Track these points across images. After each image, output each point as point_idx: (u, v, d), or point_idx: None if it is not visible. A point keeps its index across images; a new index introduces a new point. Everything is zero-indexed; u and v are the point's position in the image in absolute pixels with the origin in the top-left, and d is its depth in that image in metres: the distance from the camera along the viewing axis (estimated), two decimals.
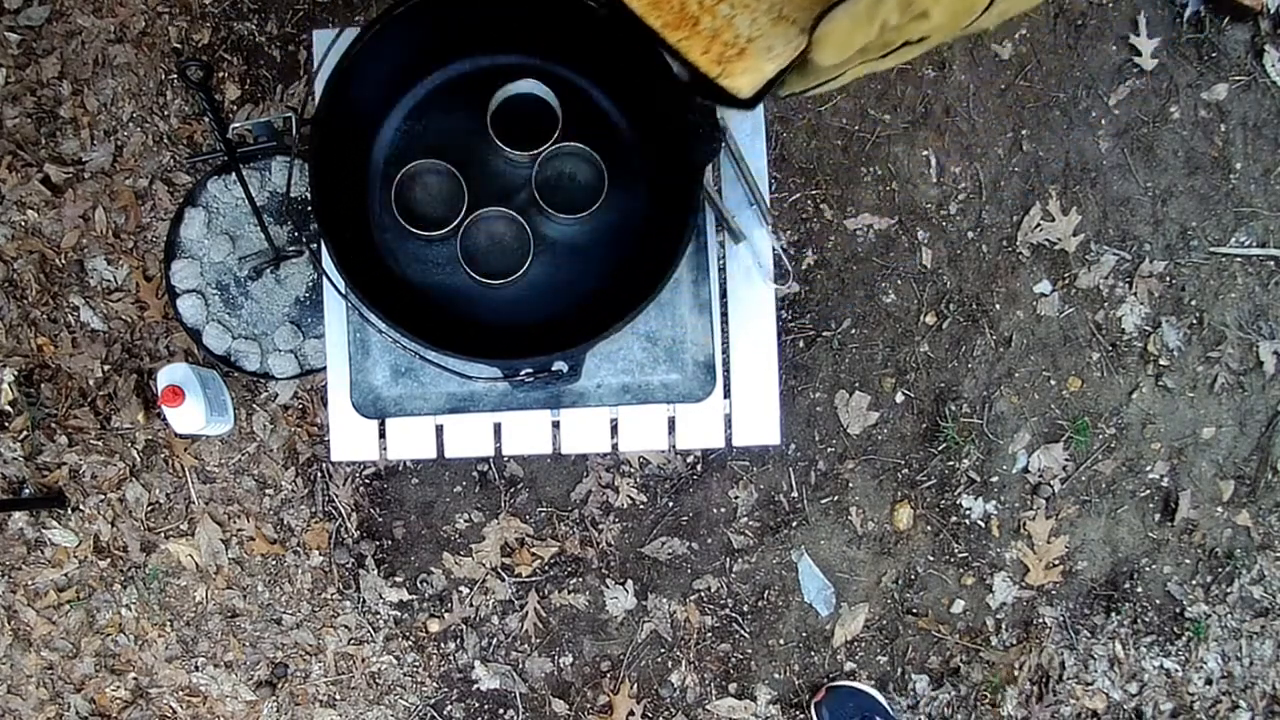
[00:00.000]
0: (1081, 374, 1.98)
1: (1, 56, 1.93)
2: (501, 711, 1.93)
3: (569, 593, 1.92)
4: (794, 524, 1.94)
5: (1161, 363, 1.98)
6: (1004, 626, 1.97)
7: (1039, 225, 1.98)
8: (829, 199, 1.97)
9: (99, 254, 1.91)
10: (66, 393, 1.90)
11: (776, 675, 1.93)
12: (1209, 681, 1.98)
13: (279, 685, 1.92)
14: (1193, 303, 1.99)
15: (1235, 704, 1.98)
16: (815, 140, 1.98)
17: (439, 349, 0.98)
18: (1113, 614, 1.97)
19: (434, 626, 1.93)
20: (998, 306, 1.98)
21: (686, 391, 1.20)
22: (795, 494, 1.95)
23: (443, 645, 1.93)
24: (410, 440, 1.25)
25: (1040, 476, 1.97)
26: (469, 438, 1.26)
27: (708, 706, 1.93)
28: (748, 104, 0.85)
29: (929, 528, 1.96)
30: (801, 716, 1.92)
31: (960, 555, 1.96)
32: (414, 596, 1.92)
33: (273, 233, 1.68)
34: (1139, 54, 1.99)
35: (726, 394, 1.26)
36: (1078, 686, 1.97)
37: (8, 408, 1.89)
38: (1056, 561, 1.96)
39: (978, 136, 1.99)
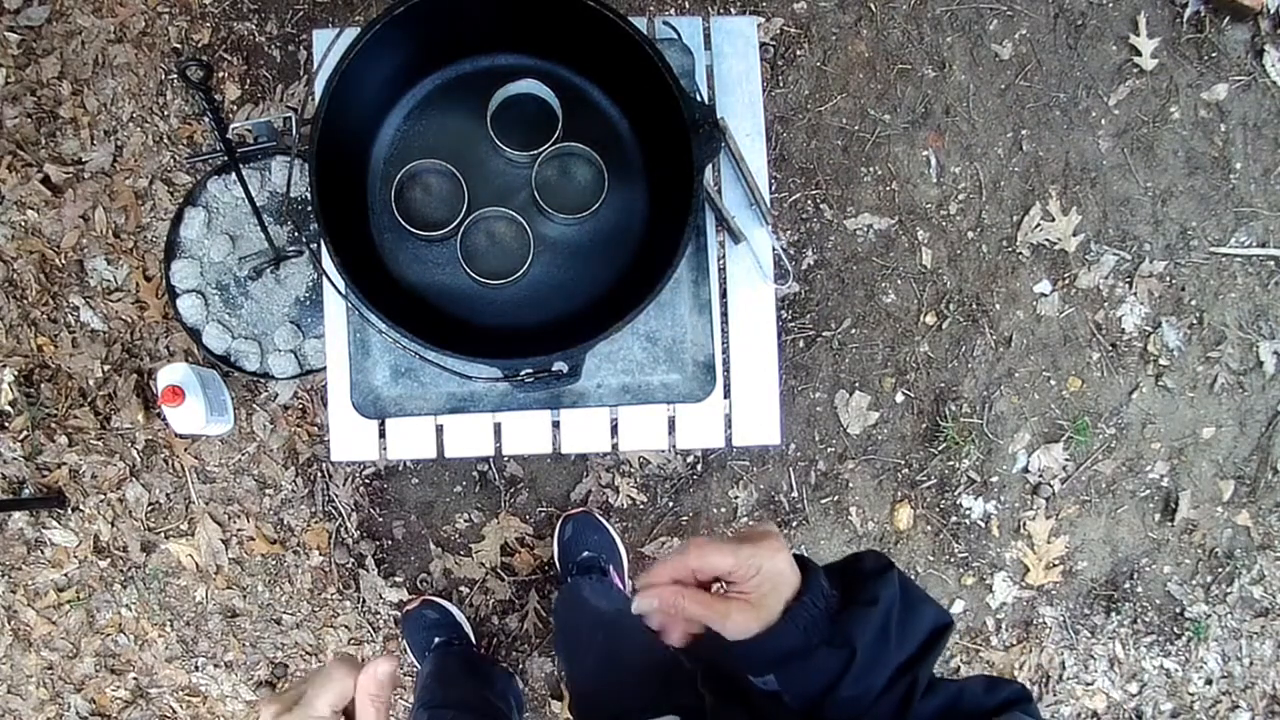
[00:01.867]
0: (1081, 374, 1.98)
1: (1, 56, 1.92)
2: None
3: None
4: (794, 524, 1.94)
5: (1161, 363, 1.98)
6: (1004, 626, 1.97)
7: (1039, 225, 1.98)
8: (829, 199, 1.97)
9: (99, 254, 1.91)
10: (66, 393, 1.90)
11: None
12: (1209, 681, 1.98)
13: (279, 685, 1.92)
14: (1193, 303, 1.99)
15: (1235, 704, 1.98)
16: (815, 140, 1.98)
17: (439, 349, 0.98)
18: (1113, 614, 1.97)
19: None
20: (998, 306, 1.98)
21: (686, 391, 1.20)
22: (795, 494, 1.95)
23: None
24: (410, 440, 1.25)
25: (1040, 476, 1.97)
26: (469, 438, 1.26)
27: None
28: None
29: (929, 528, 1.96)
30: None
31: (960, 555, 1.96)
32: (414, 596, 1.92)
33: (273, 233, 1.68)
34: (1139, 54, 1.99)
35: (726, 394, 1.26)
36: (1078, 686, 1.97)
37: (8, 408, 1.89)
38: (1056, 561, 1.96)
39: (978, 136, 1.99)
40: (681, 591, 0.66)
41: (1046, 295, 1.98)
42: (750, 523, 1.94)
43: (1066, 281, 1.98)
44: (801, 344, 1.95)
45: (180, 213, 1.80)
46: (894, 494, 1.96)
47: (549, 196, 1.11)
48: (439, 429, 1.25)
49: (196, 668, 1.92)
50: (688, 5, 2.00)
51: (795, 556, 0.70)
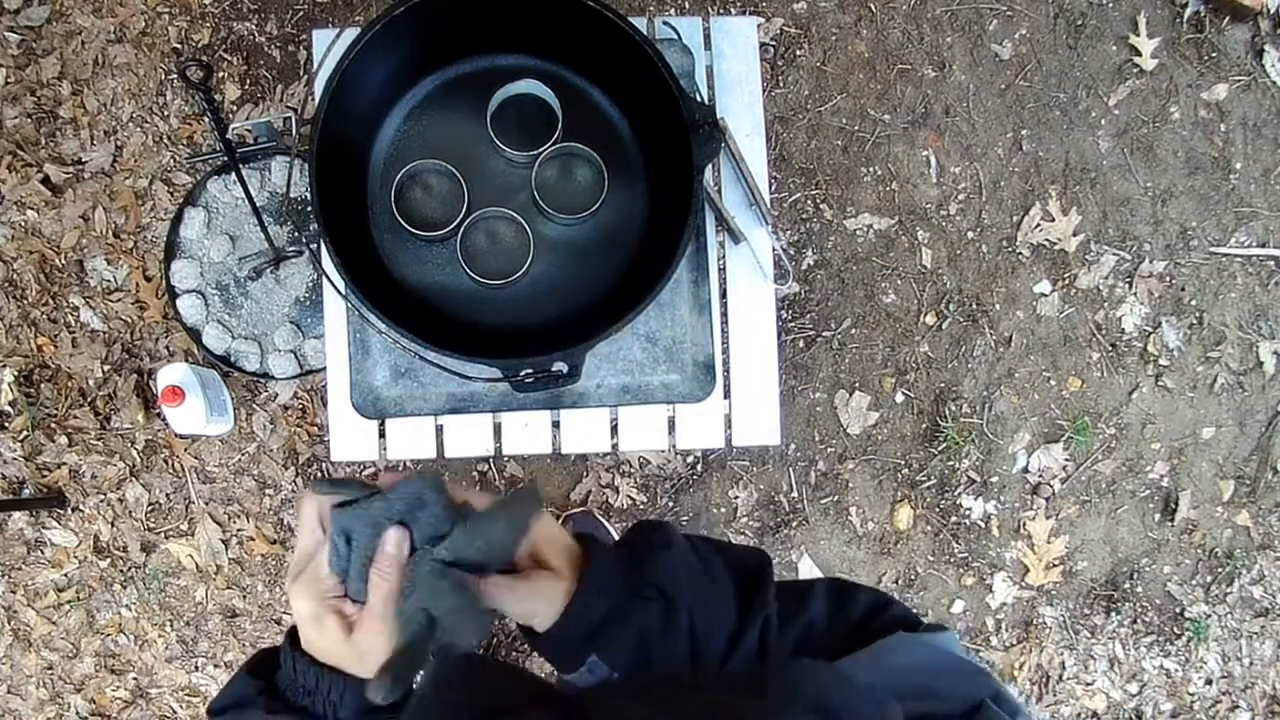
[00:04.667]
0: (1081, 374, 1.98)
1: (1, 56, 1.92)
2: None
3: None
4: (794, 524, 1.94)
5: (1161, 363, 1.98)
6: (1004, 626, 1.97)
7: (1039, 225, 1.98)
8: (829, 199, 1.97)
9: (99, 254, 1.91)
10: (66, 393, 1.90)
11: None
12: (1209, 681, 1.98)
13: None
14: (1193, 303, 1.99)
15: (1235, 704, 1.98)
16: (815, 140, 1.98)
17: (439, 349, 0.98)
18: (1113, 614, 1.97)
19: None
20: (998, 306, 1.98)
21: (686, 391, 1.20)
22: (795, 494, 1.95)
23: None
24: (410, 440, 1.25)
25: (1040, 476, 1.97)
26: (469, 438, 1.26)
27: None
28: None
29: (929, 528, 1.96)
30: None
31: (960, 555, 1.96)
32: None
33: (273, 233, 1.68)
34: (1139, 54, 1.99)
35: (726, 394, 1.26)
36: (1078, 686, 1.97)
37: (8, 408, 1.89)
38: (1056, 561, 1.96)
39: (978, 136, 1.99)
40: (479, 581, 0.60)
41: (1046, 295, 1.98)
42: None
43: (1066, 281, 1.98)
44: (801, 344, 1.95)
45: (180, 213, 1.80)
46: (894, 494, 1.96)
47: (549, 196, 1.11)
48: (439, 429, 1.25)
49: (196, 668, 1.92)
50: (688, 5, 2.00)
51: (574, 535, 0.65)
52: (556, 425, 1.26)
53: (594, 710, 0.48)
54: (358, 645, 0.58)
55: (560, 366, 1.01)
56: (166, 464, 1.91)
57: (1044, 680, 1.97)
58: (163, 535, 1.91)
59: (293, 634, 0.61)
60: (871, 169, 1.98)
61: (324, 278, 1.08)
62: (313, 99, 1.07)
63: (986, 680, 0.54)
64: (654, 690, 0.53)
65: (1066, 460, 1.97)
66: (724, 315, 1.27)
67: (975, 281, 1.98)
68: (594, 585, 0.59)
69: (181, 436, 1.88)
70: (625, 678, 0.59)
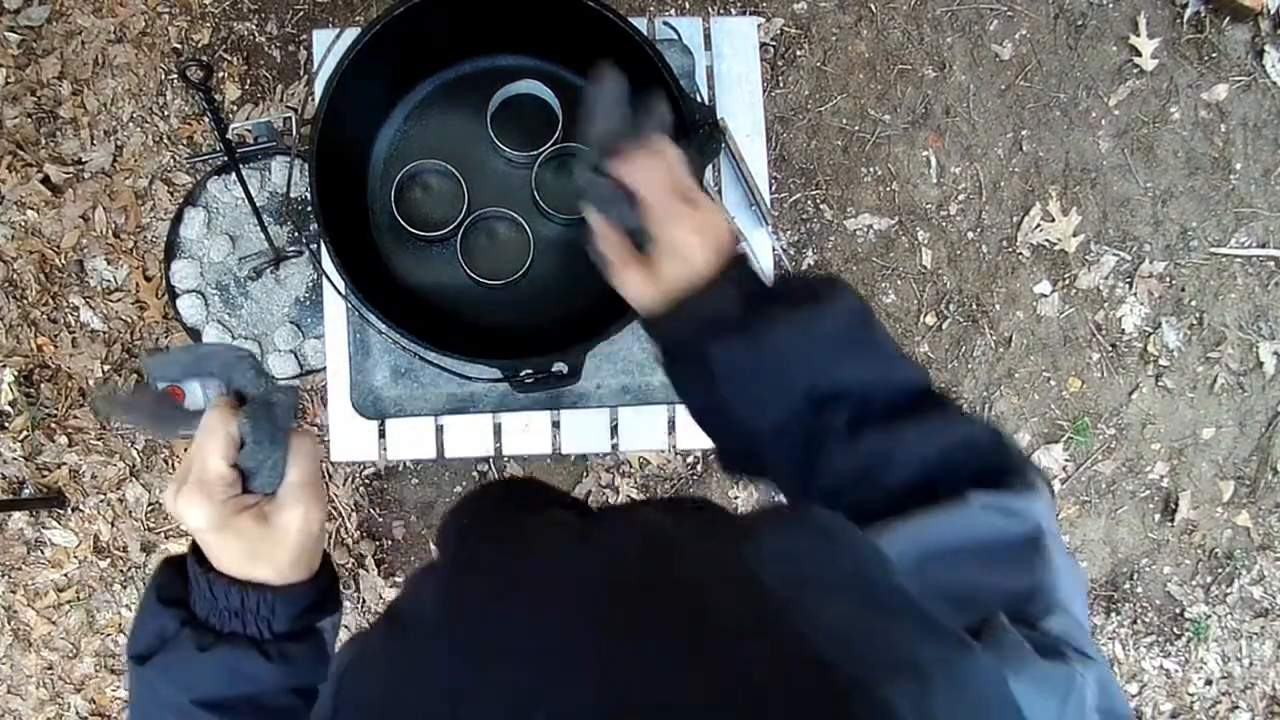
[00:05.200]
0: (1081, 374, 1.98)
1: (1, 56, 1.92)
2: None
3: None
4: None
5: (1161, 363, 1.98)
6: None
7: (1039, 225, 1.98)
8: (829, 199, 1.97)
9: (99, 254, 1.91)
10: (66, 393, 1.90)
11: None
12: (1209, 682, 1.98)
13: None
14: (1193, 303, 1.99)
15: (1235, 704, 1.98)
16: (815, 140, 1.98)
17: (439, 350, 0.98)
18: (1113, 614, 1.97)
19: None
20: (998, 307, 1.98)
21: None
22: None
23: None
24: (410, 440, 1.25)
25: None
26: (469, 438, 1.26)
27: None
28: None
29: None
30: None
31: None
32: None
33: (273, 233, 1.68)
34: (1139, 54, 1.99)
35: None
36: None
37: (8, 408, 1.89)
38: None
39: (978, 136, 1.99)
40: (608, 233, 0.66)
41: (1046, 295, 1.98)
42: None
43: (1066, 282, 1.98)
44: None
45: (180, 213, 1.80)
46: None
47: (549, 196, 1.11)
48: (439, 429, 1.25)
49: None
50: (688, 5, 2.00)
51: (738, 256, 0.60)
52: (556, 425, 1.26)
53: (612, 512, 0.51)
54: (282, 528, 0.56)
55: (560, 367, 1.01)
56: (166, 464, 1.91)
57: None
58: (163, 535, 1.91)
59: (196, 552, 0.57)
60: (871, 169, 1.98)
61: (324, 278, 1.08)
62: (313, 99, 1.07)
63: (1031, 566, 0.47)
64: (674, 504, 0.56)
65: (1066, 460, 1.97)
66: None
67: (975, 282, 1.98)
68: (681, 315, 0.59)
69: (181, 436, 1.88)
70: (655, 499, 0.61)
